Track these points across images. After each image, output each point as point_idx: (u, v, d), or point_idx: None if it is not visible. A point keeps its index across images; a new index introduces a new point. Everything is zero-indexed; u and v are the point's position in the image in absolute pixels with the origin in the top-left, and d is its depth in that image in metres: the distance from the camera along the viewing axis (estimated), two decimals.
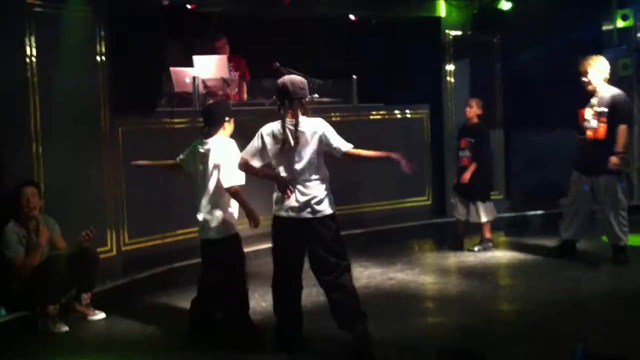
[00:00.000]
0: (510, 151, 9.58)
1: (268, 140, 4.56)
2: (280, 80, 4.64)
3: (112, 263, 6.47)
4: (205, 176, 4.94)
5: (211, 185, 4.91)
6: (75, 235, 5.53)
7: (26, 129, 5.86)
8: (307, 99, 4.63)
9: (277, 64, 7.90)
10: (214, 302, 5.02)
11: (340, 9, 8.79)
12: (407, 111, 9.33)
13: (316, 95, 8.17)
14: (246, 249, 7.06)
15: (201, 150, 4.98)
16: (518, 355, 4.46)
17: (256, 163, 4.60)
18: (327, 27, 9.14)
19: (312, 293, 5.40)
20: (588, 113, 6.75)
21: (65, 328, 5.30)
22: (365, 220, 8.60)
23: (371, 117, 9.00)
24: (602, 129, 6.64)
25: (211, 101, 7.68)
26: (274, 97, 8.16)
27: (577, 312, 5.62)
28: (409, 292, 6.18)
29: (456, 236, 7.83)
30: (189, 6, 7.82)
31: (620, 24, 10.02)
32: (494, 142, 9.16)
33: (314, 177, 4.49)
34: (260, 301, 5.91)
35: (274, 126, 4.57)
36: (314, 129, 4.49)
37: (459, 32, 9.35)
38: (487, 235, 7.68)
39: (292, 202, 4.48)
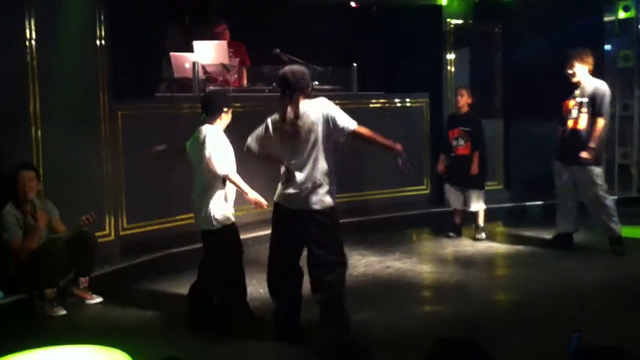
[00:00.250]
0: (510, 141, 9.59)
1: (271, 129, 4.53)
2: (281, 71, 4.58)
3: (111, 247, 6.47)
4: (199, 165, 4.91)
5: (204, 174, 4.89)
6: (74, 219, 5.54)
7: (25, 112, 5.84)
8: (309, 89, 4.56)
9: (278, 51, 7.89)
10: (213, 288, 5.02)
11: None
12: (407, 100, 9.32)
13: (316, 83, 8.16)
14: (245, 236, 7.08)
15: (198, 138, 4.95)
16: (514, 344, 4.47)
17: (255, 148, 4.60)
18: (328, 14, 9.12)
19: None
20: (571, 104, 6.82)
21: (63, 312, 5.32)
22: (364, 209, 8.60)
23: (371, 105, 8.98)
24: (583, 119, 6.70)
25: (211, 88, 7.68)
26: (274, 84, 8.22)
27: (574, 302, 5.63)
28: (406, 280, 6.20)
29: (454, 226, 7.84)
30: None
31: (621, 15, 10.01)
32: (494, 132, 9.18)
33: (314, 168, 4.40)
34: (258, 287, 5.92)
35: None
36: (320, 110, 4.40)
37: (460, 21, 9.32)
38: (482, 222, 7.74)
39: (289, 191, 4.46)
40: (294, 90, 4.44)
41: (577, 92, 6.81)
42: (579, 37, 9.14)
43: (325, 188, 4.43)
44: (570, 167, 6.84)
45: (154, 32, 7.57)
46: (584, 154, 6.61)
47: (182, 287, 5.97)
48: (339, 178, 4.57)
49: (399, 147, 4.55)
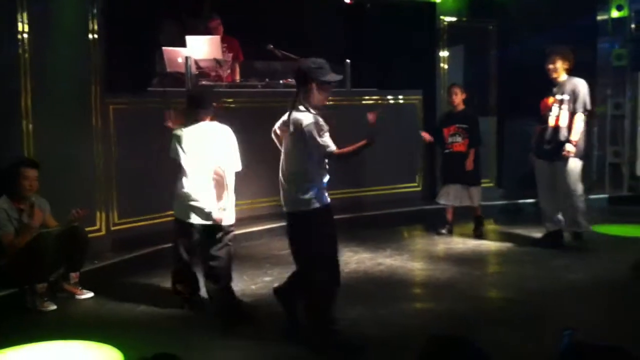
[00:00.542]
0: (503, 139, 9.59)
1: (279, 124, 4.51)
2: (295, 65, 4.54)
3: (102, 243, 6.44)
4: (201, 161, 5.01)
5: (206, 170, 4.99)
6: (64, 214, 5.51)
7: (17, 106, 5.80)
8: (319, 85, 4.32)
9: (271, 46, 7.87)
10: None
11: None
12: (400, 97, 9.31)
13: None
14: (237, 232, 7.09)
15: (190, 135, 4.98)
16: (507, 341, 4.47)
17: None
18: (322, 10, 9.10)
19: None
20: (551, 101, 6.87)
21: (53, 307, 5.28)
22: (355, 206, 8.59)
23: (364, 101, 8.97)
24: (564, 116, 6.77)
25: (203, 83, 7.66)
26: (267, 79, 8.20)
27: (567, 300, 5.64)
28: (398, 277, 6.19)
29: (446, 223, 7.84)
30: None
31: (615, 14, 10.03)
32: (487, 129, 9.17)
33: (295, 170, 4.35)
34: (250, 284, 5.91)
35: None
36: (306, 121, 4.24)
37: (454, 18, 9.33)
38: (480, 213, 7.81)
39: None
40: (301, 86, 4.34)
41: (556, 89, 6.87)
42: (572, 35, 9.16)
43: (301, 190, 4.32)
44: (551, 164, 6.90)
45: (148, 26, 7.52)
46: (568, 148, 6.70)
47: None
48: (330, 175, 4.52)
49: (367, 140, 4.28)
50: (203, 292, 5.30)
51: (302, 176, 4.32)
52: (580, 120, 6.76)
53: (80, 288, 5.59)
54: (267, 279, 6.08)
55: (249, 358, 4.47)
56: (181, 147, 5.07)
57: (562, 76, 6.86)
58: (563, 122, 6.79)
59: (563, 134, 6.80)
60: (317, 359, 4.37)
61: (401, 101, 9.35)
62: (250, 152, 6.79)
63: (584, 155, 7.00)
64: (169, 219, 7.10)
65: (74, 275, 5.57)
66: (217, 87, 7.87)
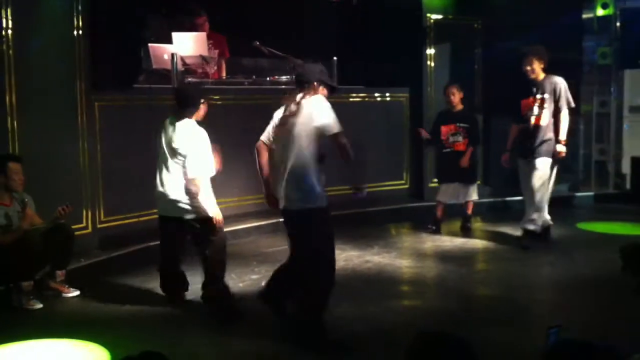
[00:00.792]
0: (490, 137, 9.60)
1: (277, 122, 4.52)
2: (297, 66, 4.73)
3: (88, 240, 6.40)
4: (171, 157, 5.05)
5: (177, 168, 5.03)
6: (50, 211, 5.45)
7: (2, 103, 5.75)
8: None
9: (258, 43, 7.84)
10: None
11: None
12: (387, 94, 9.32)
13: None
14: (225, 229, 7.06)
15: (172, 131, 5.02)
16: (494, 338, 4.48)
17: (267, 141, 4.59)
18: (309, 7, 9.08)
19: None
20: (532, 101, 6.90)
21: (39, 305, 5.24)
22: (343, 203, 8.56)
23: (351, 99, 8.97)
24: (545, 115, 6.81)
25: (189, 80, 7.62)
26: (253, 76, 8.17)
27: (553, 296, 5.68)
28: (385, 275, 6.19)
29: (436, 220, 7.85)
30: None
31: (600, 12, 10.09)
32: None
33: (291, 166, 4.37)
34: (237, 282, 5.90)
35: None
36: (310, 108, 4.36)
37: (440, 16, 9.34)
38: (471, 212, 7.89)
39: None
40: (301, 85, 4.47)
41: (535, 89, 6.89)
42: (558, 33, 9.21)
43: (296, 187, 4.39)
44: (528, 161, 6.97)
45: (133, 22, 7.48)
46: (559, 149, 6.76)
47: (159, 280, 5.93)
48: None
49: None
50: (192, 290, 5.29)
51: (305, 174, 4.34)
52: (566, 118, 6.79)
53: (66, 286, 5.55)
54: (255, 276, 6.07)
55: (236, 356, 4.45)
56: (158, 141, 5.13)
57: (540, 75, 6.89)
58: (544, 122, 6.82)
59: (543, 133, 6.82)
60: (305, 357, 4.36)
61: (388, 99, 9.35)
62: (236, 149, 6.78)
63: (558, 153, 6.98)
64: (156, 216, 7.10)
65: (60, 273, 5.53)
66: (204, 84, 7.83)
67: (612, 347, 2.14)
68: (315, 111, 4.35)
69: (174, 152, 5.02)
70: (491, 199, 9.21)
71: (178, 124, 5.05)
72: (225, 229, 7.12)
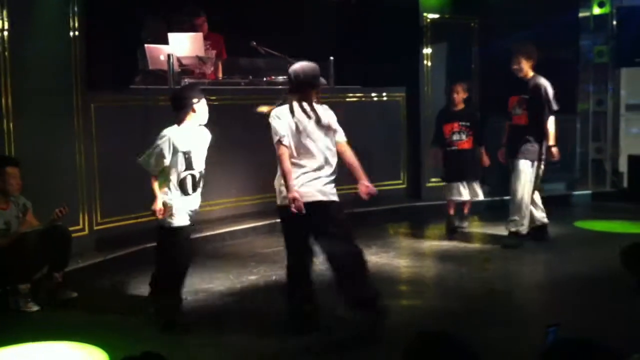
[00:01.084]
0: (487, 135, 9.60)
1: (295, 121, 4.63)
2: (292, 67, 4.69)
3: (85, 242, 6.38)
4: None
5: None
6: (47, 213, 5.44)
7: None
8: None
9: (254, 43, 7.84)
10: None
11: None
12: (384, 94, 9.31)
13: None
14: (221, 230, 7.07)
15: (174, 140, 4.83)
16: (492, 337, 4.47)
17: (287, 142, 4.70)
18: (306, 7, 9.08)
19: None
20: (516, 100, 6.94)
21: (37, 307, 5.22)
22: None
23: (347, 99, 8.96)
24: (524, 115, 6.83)
25: (186, 81, 7.61)
26: (250, 77, 8.16)
27: (551, 295, 5.67)
28: (383, 275, 6.18)
29: (449, 218, 7.84)
30: None
31: (596, 10, 10.09)
32: None
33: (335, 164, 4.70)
34: (236, 282, 5.89)
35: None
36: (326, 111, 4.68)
37: (436, 16, 9.33)
38: (468, 211, 7.92)
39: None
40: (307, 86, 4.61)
41: (521, 88, 6.91)
42: (554, 32, 9.22)
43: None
44: (510, 160, 7.01)
45: (129, 23, 7.47)
46: (554, 152, 6.78)
47: None
48: None
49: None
50: (191, 291, 5.27)
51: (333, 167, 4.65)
52: (552, 123, 6.79)
53: (64, 288, 5.53)
54: (253, 277, 6.06)
55: (236, 356, 4.44)
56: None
57: (529, 74, 6.88)
58: (524, 122, 6.84)
59: (523, 133, 6.83)
60: (305, 356, 4.36)
61: (385, 98, 9.35)
62: (233, 149, 6.78)
63: (543, 157, 6.96)
64: (153, 217, 7.06)
65: (58, 275, 5.51)
66: (200, 85, 7.81)
67: (610, 346, 2.13)
68: (332, 116, 4.68)
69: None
70: (489, 198, 9.18)
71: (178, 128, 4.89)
72: (223, 230, 7.15)
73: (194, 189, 4.90)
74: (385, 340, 4.48)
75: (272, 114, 4.56)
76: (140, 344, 4.27)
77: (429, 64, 9.32)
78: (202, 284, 5.76)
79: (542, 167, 6.95)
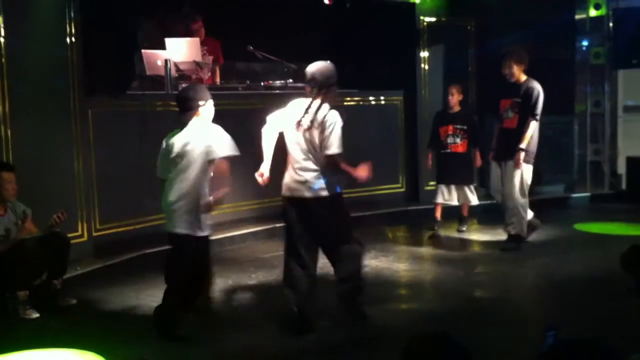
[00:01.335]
0: (484, 138, 9.60)
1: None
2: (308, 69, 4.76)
3: (84, 248, 6.36)
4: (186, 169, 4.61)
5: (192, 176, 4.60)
6: (45, 219, 5.42)
7: None
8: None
9: (251, 48, 7.84)
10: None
11: None
12: (382, 97, 9.32)
13: (290, 80, 8.12)
14: (220, 235, 7.05)
15: (177, 142, 4.62)
16: (491, 340, 4.47)
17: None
18: (302, 11, 9.07)
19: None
20: (507, 104, 6.92)
21: (36, 314, 5.20)
22: None
23: (345, 103, 8.96)
24: (517, 119, 6.82)
25: (183, 85, 7.60)
26: (247, 81, 8.16)
27: (549, 298, 5.67)
28: (383, 278, 6.17)
29: (435, 222, 7.84)
30: None
31: (593, 12, 10.11)
32: None
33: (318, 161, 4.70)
34: (235, 287, 5.87)
35: None
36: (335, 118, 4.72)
37: (433, 19, 9.34)
38: (467, 214, 7.89)
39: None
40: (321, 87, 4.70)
41: (512, 91, 6.89)
42: (551, 34, 9.24)
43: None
44: (500, 163, 6.99)
45: (126, 28, 7.47)
46: (518, 156, 6.72)
47: (156, 288, 5.89)
48: None
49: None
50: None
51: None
52: (531, 127, 6.75)
53: (63, 295, 5.52)
54: (252, 282, 6.05)
55: None
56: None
57: (519, 78, 6.87)
58: (516, 125, 6.82)
59: (516, 137, 6.80)
60: (306, 356, 4.36)
61: (382, 102, 9.35)
62: None
63: (534, 159, 6.95)
64: (152, 223, 7.09)
65: (57, 282, 5.49)
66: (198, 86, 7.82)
67: (609, 347, 2.13)
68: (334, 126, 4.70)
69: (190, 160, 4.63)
70: (487, 201, 9.18)
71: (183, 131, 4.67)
72: (222, 235, 7.13)
73: None
74: (384, 344, 4.47)
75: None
76: (139, 350, 4.26)
77: (426, 67, 9.33)
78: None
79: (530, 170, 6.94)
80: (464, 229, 7.89)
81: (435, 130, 7.82)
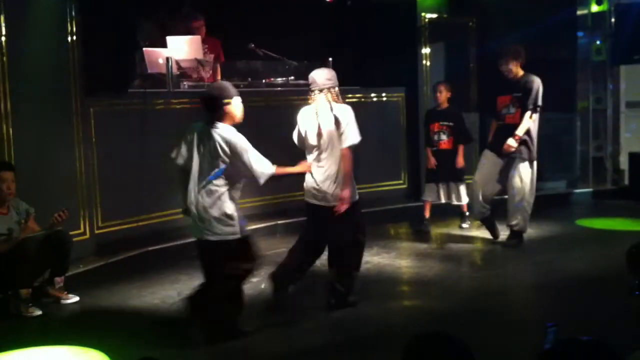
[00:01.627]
0: (485, 135, 9.59)
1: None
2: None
3: (86, 246, 6.37)
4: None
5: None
6: (47, 218, 5.43)
7: None
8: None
9: (252, 46, 7.84)
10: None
11: None
12: (383, 94, 9.31)
13: (292, 78, 8.12)
14: None
15: (207, 140, 4.49)
16: (492, 337, 4.47)
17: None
18: (303, 8, 9.07)
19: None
20: (508, 100, 6.89)
21: (38, 312, 5.23)
22: None
23: (347, 100, 8.92)
24: (518, 114, 6.80)
25: (185, 84, 7.61)
26: (249, 79, 8.16)
27: (551, 294, 5.66)
28: (385, 275, 6.18)
29: (424, 220, 7.85)
30: None
31: (594, 8, 10.09)
32: (469, 125, 9.18)
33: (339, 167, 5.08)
34: None
35: None
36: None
37: (434, 15, 9.32)
38: (467, 210, 7.87)
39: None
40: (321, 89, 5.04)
41: (511, 87, 6.87)
42: (552, 31, 9.21)
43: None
44: (503, 160, 6.94)
45: (127, 26, 7.46)
46: (509, 142, 6.70)
47: (158, 285, 5.92)
48: None
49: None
50: None
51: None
52: (528, 117, 6.74)
53: (65, 292, 5.53)
54: (254, 279, 6.04)
55: (239, 359, 4.43)
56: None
57: (518, 74, 6.86)
58: (517, 120, 6.79)
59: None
60: (307, 356, 4.36)
61: (384, 99, 9.34)
62: None
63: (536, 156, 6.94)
64: (154, 221, 7.12)
65: (59, 280, 5.52)
66: (199, 87, 7.82)
67: (611, 345, 2.13)
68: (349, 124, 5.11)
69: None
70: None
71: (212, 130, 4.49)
72: None
73: None
74: (386, 341, 4.48)
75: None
76: (141, 348, 4.27)
77: (428, 63, 9.32)
78: None
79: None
80: (467, 225, 7.88)
81: (426, 128, 7.84)
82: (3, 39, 5.74)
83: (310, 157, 5.04)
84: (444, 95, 7.72)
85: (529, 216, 7.01)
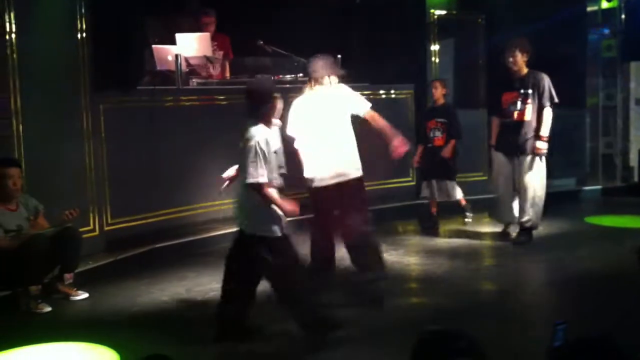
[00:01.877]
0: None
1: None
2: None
3: (95, 243, 6.39)
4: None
5: None
6: (57, 214, 5.46)
7: (6, 107, 5.74)
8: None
9: (261, 42, 7.84)
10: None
11: None
12: (392, 91, 9.29)
13: (300, 74, 8.11)
14: (215, 232, 7.04)
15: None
16: (501, 334, 4.46)
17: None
18: (312, 5, 9.06)
19: None
20: (514, 96, 6.84)
21: (48, 308, 5.25)
22: None
23: None
24: (529, 110, 6.75)
25: (194, 81, 7.61)
26: (258, 75, 8.15)
27: (561, 291, 5.64)
28: (393, 272, 6.14)
29: (431, 217, 7.84)
30: None
31: (604, 4, 10.05)
32: (477, 122, 9.16)
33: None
34: None
35: None
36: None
37: (443, 12, 9.30)
38: (465, 202, 7.89)
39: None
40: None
41: (517, 83, 6.83)
42: (562, 26, 9.17)
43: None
44: (513, 159, 6.91)
45: (136, 23, 7.47)
46: (539, 145, 6.69)
47: (167, 282, 5.94)
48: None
49: None
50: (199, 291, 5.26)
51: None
52: (549, 115, 6.72)
53: (74, 289, 5.55)
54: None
55: (243, 356, 4.43)
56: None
57: (523, 69, 6.83)
58: (528, 117, 6.76)
59: (528, 129, 6.77)
60: (308, 356, 4.37)
61: (393, 96, 9.33)
62: None
63: (549, 151, 6.91)
64: (163, 217, 7.13)
65: (68, 276, 5.53)
66: (208, 84, 7.84)
67: (618, 344, 2.12)
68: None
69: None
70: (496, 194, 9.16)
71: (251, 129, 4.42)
72: (216, 233, 7.12)
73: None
74: (395, 338, 4.47)
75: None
76: (150, 344, 4.28)
77: (437, 60, 9.30)
78: (213, 284, 5.75)
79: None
80: (470, 219, 7.87)
81: (424, 125, 7.83)
82: (13, 36, 5.75)
83: (315, 144, 5.16)
84: (439, 91, 7.75)
85: (541, 211, 6.97)
